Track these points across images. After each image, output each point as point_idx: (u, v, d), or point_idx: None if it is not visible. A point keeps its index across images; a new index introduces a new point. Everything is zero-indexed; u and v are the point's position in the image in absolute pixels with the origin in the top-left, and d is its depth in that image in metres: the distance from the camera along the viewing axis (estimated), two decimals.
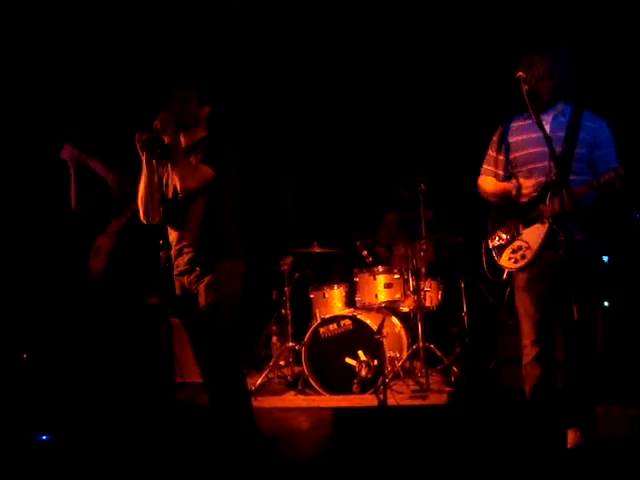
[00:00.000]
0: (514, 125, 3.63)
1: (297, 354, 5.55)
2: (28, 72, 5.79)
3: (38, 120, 5.75)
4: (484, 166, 3.77)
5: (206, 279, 3.59)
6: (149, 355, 4.91)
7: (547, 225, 3.39)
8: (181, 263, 3.67)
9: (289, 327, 5.79)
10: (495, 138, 3.72)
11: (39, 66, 5.82)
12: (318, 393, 5.19)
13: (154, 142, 3.54)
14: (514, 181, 3.57)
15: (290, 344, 5.70)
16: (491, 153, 3.73)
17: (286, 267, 5.90)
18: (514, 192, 3.56)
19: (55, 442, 4.10)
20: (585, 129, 3.45)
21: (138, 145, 3.54)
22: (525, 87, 3.41)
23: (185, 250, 3.64)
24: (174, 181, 3.58)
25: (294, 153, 7.18)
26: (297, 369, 5.62)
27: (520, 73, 3.42)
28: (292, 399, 5.24)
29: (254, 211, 6.91)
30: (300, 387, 5.35)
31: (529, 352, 3.47)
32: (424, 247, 5.54)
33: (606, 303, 5.01)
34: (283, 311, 5.90)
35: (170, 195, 3.68)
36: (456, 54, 5.93)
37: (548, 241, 3.39)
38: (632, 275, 5.14)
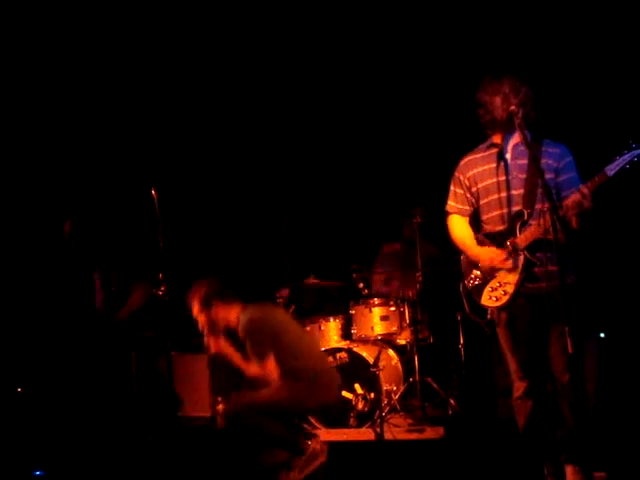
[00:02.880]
0: (474, 157, 3.59)
1: None
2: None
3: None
4: (449, 203, 3.71)
5: None
6: (145, 388, 4.90)
7: (522, 257, 3.35)
8: None
9: None
10: (457, 173, 3.66)
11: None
12: (314, 427, 5.15)
13: None
14: (485, 249, 3.51)
15: None
16: (454, 189, 3.68)
17: (282, 299, 5.90)
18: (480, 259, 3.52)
19: (49, 478, 4.07)
20: (547, 155, 3.41)
21: None
22: (486, 114, 3.43)
23: None
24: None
25: (291, 185, 7.21)
26: None
27: (482, 96, 3.43)
28: None
29: (251, 243, 6.93)
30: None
31: (518, 387, 3.44)
32: (420, 279, 5.55)
33: (602, 334, 5.02)
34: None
35: None
36: (455, 85, 5.98)
37: (526, 273, 3.35)
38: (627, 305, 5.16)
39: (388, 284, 6.28)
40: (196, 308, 4.01)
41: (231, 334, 4.08)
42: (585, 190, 3.17)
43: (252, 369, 3.97)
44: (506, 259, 3.40)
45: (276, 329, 4.00)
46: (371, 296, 5.82)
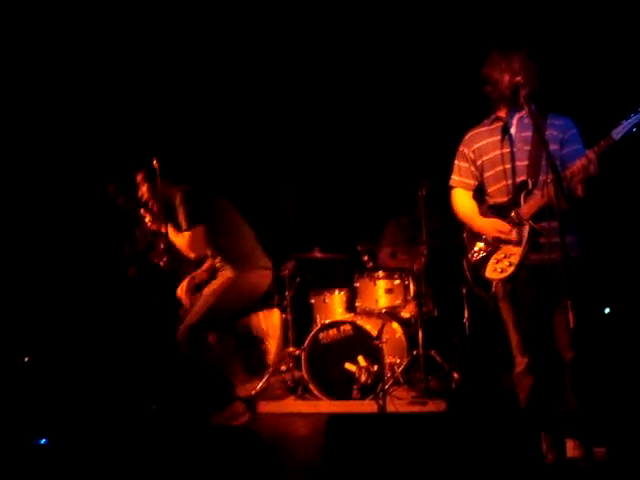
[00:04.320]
0: (479, 131, 3.58)
1: (297, 359, 5.54)
2: None
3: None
4: (453, 177, 3.69)
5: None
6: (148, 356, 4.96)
7: (527, 227, 3.32)
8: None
9: (290, 332, 5.77)
10: (461, 147, 3.65)
11: None
12: (318, 398, 5.18)
13: None
14: (489, 220, 3.49)
15: (290, 349, 5.68)
16: (458, 163, 3.66)
17: (287, 272, 5.89)
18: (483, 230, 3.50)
19: (53, 447, 4.10)
20: (552, 127, 3.37)
21: None
22: (494, 90, 3.40)
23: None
24: None
25: (298, 158, 7.17)
26: (297, 374, 5.60)
27: (489, 72, 3.40)
28: (292, 404, 5.23)
29: (256, 216, 6.92)
30: (300, 392, 5.33)
31: (519, 362, 3.44)
32: (425, 252, 5.52)
33: (607, 310, 5.00)
34: (284, 316, 5.88)
35: None
36: (461, 58, 5.91)
37: (531, 243, 3.32)
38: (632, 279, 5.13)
39: (395, 257, 6.26)
40: (140, 177, 4.47)
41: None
42: (591, 155, 3.11)
43: (180, 240, 4.41)
44: (511, 231, 3.38)
45: (215, 206, 4.61)
46: (376, 269, 5.80)
